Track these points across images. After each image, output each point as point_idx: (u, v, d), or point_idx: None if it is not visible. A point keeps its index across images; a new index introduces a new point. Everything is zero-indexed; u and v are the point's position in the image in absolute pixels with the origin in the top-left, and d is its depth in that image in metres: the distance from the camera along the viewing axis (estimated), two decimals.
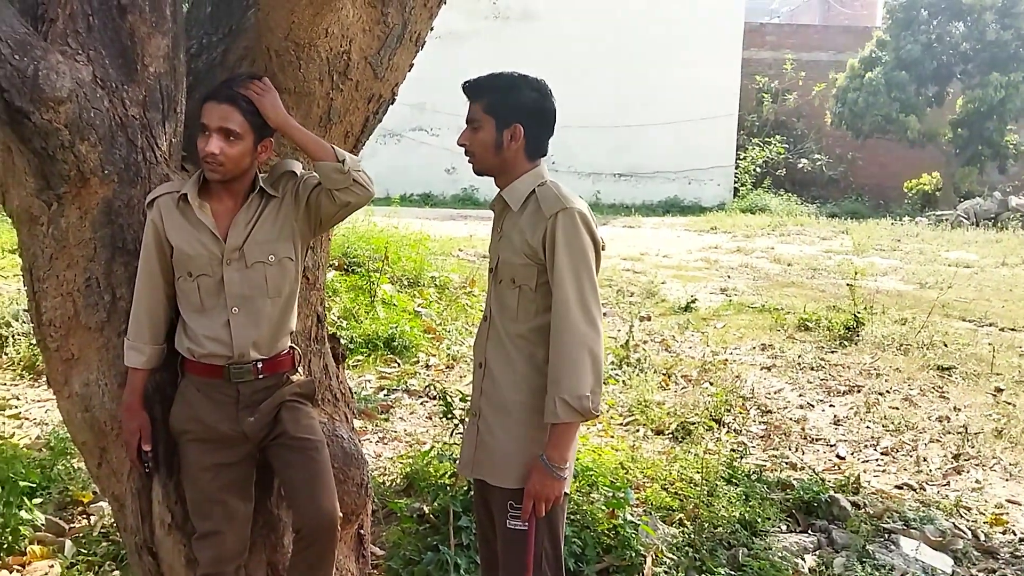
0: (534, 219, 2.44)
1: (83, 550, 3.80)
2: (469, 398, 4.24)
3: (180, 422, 2.62)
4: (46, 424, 5.18)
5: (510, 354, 2.49)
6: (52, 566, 3.68)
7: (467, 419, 2.83)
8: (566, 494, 2.53)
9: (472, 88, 2.52)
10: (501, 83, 2.49)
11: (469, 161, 2.56)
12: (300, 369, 2.79)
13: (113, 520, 3.61)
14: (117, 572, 3.65)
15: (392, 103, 3.10)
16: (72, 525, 4.06)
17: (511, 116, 2.45)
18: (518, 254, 2.46)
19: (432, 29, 3.07)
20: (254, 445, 2.65)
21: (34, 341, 5.95)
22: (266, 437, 2.65)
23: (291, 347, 2.72)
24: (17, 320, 6.54)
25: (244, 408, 2.61)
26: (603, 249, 2.50)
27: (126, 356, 2.57)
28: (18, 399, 5.66)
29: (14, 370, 6.12)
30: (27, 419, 5.34)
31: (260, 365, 2.61)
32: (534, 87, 2.49)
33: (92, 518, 4.08)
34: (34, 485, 4.12)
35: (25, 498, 3.96)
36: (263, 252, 2.57)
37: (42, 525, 3.94)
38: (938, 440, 5.69)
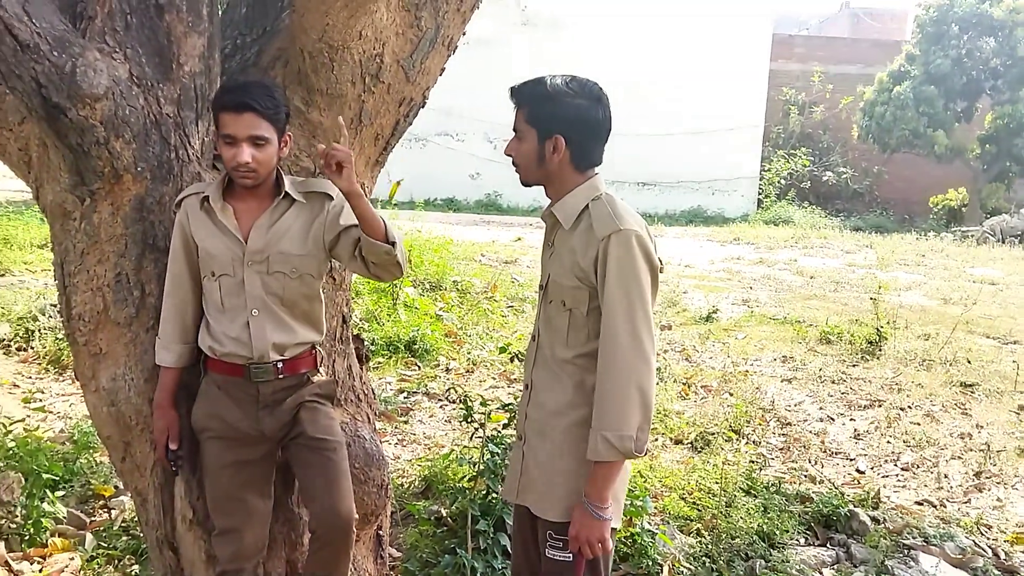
0: (586, 239, 2.27)
1: (103, 544, 3.83)
2: (489, 403, 4.27)
3: (201, 419, 2.65)
4: (70, 418, 5.23)
5: (558, 379, 2.36)
6: (72, 559, 3.71)
7: (513, 441, 2.74)
8: (614, 529, 2.38)
9: (514, 95, 2.34)
10: (541, 91, 2.29)
11: (516, 172, 2.40)
12: (323, 369, 2.79)
13: (134, 514, 3.64)
14: (137, 566, 3.68)
15: (423, 107, 3.11)
16: (93, 518, 4.09)
17: (552, 127, 2.28)
18: (568, 276, 2.30)
19: (464, 34, 3.09)
20: (273, 444, 2.67)
21: (60, 335, 6.04)
22: (285, 436, 2.66)
23: (313, 347, 2.72)
24: (44, 314, 6.61)
25: (264, 407, 2.62)
26: (661, 271, 2.32)
27: (157, 355, 2.61)
28: (43, 392, 5.72)
29: (40, 364, 6.19)
30: (51, 412, 5.39)
31: (281, 365, 2.62)
32: (581, 93, 2.29)
33: (113, 512, 4.12)
34: (57, 478, 4.16)
35: (48, 491, 4.00)
36: (286, 264, 2.58)
37: (64, 518, 3.98)
38: (959, 457, 5.64)
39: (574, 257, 2.29)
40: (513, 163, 2.39)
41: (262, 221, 2.56)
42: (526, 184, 2.43)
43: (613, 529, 2.39)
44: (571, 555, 2.34)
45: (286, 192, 2.59)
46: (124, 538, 3.87)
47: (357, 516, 2.70)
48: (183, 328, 2.61)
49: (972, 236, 18.23)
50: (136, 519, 3.50)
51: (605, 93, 2.35)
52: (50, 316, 6.54)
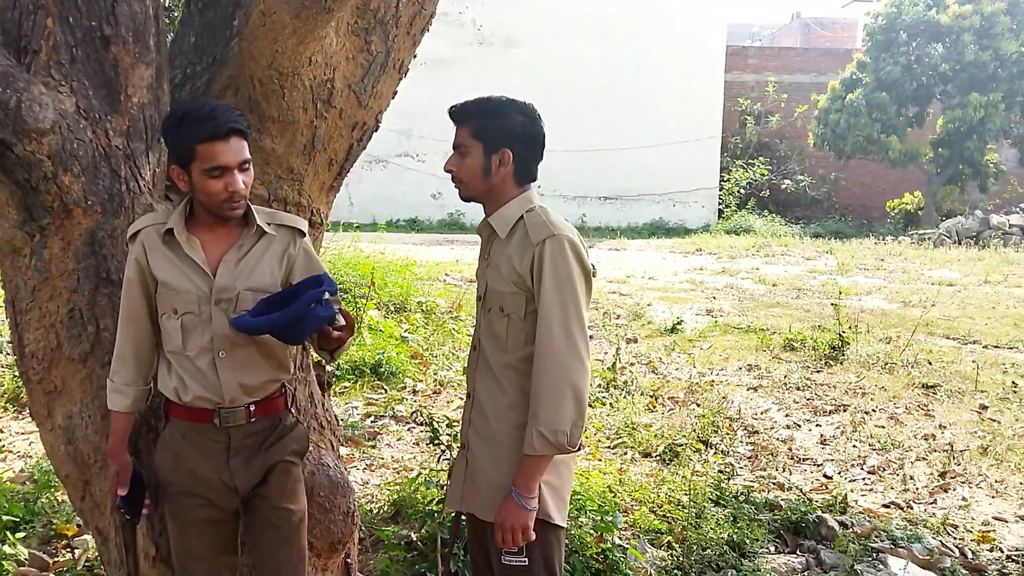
0: (522, 246, 2.36)
1: None
2: (456, 424, 4.25)
3: (165, 472, 2.47)
4: (30, 457, 5.14)
5: (500, 384, 2.42)
6: None
7: (456, 450, 2.76)
8: (561, 527, 2.44)
9: (458, 113, 2.44)
10: (488, 107, 2.41)
11: (456, 187, 2.48)
12: (292, 409, 2.65)
13: (97, 554, 3.57)
14: None
15: (376, 130, 3.11)
16: (56, 559, 4.00)
17: (499, 141, 2.38)
18: (506, 282, 2.38)
19: (415, 56, 3.10)
20: (241, 498, 2.50)
21: (17, 373, 5.93)
22: (252, 489, 2.50)
23: (283, 386, 2.57)
24: (1, 352, 6.50)
25: (235, 455, 2.44)
26: (594, 276, 2.43)
27: (109, 399, 2.45)
28: (1, 432, 5.61)
29: None
30: (11, 452, 5.29)
31: (252, 408, 2.44)
32: (522, 111, 2.42)
33: (76, 551, 4.04)
34: (17, 519, 4.08)
35: (8, 532, 3.92)
36: (253, 303, 2.36)
37: (26, 560, 3.88)
38: (924, 458, 5.70)
39: (511, 263, 2.38)
40: (453, 179, 2.47)
41: (230, 256, 2.39)
42: (466, 199, 2.51)
43: (560, 528, 2.45)
44: (526, 559, 2.37)
45: (257, 225, 2.42)
46: None
47: (321, 548, 2.65)
48: (138, 370, 2.44)
49: (929, 239, 18.52)
50: (100, 558, 3.43)
51: (539, 114, 2.47)
52: (7, 353, 6.42)
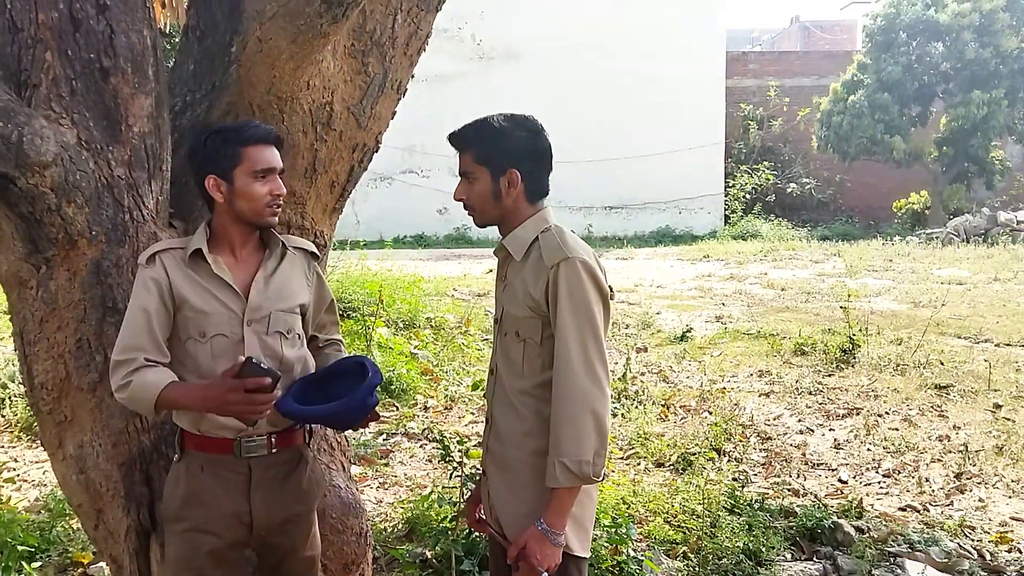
0: (536, 269, 2.28)
1: None
2: (467, 440, 4.25)
3: (176, 508, 2.36)
4: (44, 485, 5.15)
5: (517, 411, 2.35)
6: None
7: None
8: (584, 559, 2.37)
9: (459, 139, 2.37)
10: (487, 130, 2.33)
11: (471, 215, 2.41)
12: (311, 444, 2.59)
13: None
14: None
15: (376, 151, 3.12)
16: None
17: (504, 163, 2.30)
18: (521, 307, 2.31)
19: (413, 76, 3.11)
20: (256, 538, 2.41)
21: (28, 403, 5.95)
22: (270, 532, 2.42)
23: None
24: (13, 381, 6.52)
25: (256, 488, 2.35)
26: (612, 299, 2.34)
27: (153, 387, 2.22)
28: (16, 461, 5.63)
29: (11, 432, 6.09)
30: (25, 481, 5.30)
31: (274, 438, 2.37)
32: (524, 126, 2.34)
33: None
34: (33, 548, 4.09)
35: (24, 562, 3.93)
36: (284, 324, 2.39)
37: None
38: (939, 459, 5.67)
39: (526, 287, 2.30)
40: (465, 206, 2.41)
41: (260, 276, 2.38)
42: (482, 225, 2.44)
43: (583, 559, 2.38)
44: None
45: (282, 243, 2.44)
46: None
47: (335, 570, 2.66)
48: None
49: (937, 238, 18.48)
50: None
51: (542, 125, 2.40)
52: (19, 383, 6.44)
